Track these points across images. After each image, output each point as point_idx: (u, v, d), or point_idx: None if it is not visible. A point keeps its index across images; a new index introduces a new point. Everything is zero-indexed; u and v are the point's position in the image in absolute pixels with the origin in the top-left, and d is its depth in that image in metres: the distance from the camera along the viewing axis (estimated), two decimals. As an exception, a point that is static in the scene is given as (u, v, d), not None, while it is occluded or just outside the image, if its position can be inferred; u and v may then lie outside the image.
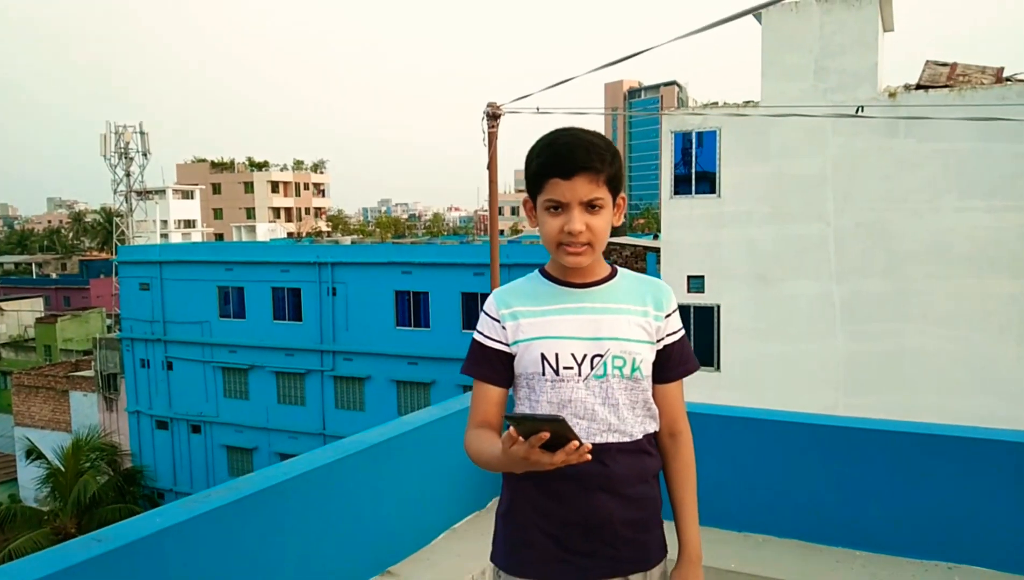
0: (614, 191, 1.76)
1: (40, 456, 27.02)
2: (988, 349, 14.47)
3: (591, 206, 1.72)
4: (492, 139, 11.04)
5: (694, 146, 16.60)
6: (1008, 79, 14.69)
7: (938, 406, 14.09)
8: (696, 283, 16.86)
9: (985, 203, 14.37)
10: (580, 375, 1.76)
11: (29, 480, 29.76)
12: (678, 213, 16.98)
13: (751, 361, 16.30)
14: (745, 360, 16.38)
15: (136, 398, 31.47)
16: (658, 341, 1.83)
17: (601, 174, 1.70)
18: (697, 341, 16.87)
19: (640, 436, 1.81)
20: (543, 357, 1.77)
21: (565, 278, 1.82)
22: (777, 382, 15.88)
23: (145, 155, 49.39)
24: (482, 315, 1.87)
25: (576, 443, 1.45)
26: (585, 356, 1.76)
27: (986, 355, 14.47)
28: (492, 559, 1.89)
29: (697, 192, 16.73)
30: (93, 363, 34.14)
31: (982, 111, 13.39)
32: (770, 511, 3.66)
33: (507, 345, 1.81)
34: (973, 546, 3.29)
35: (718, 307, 16.62)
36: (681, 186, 16.88)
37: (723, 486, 3.78)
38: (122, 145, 48.54)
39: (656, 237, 26.84)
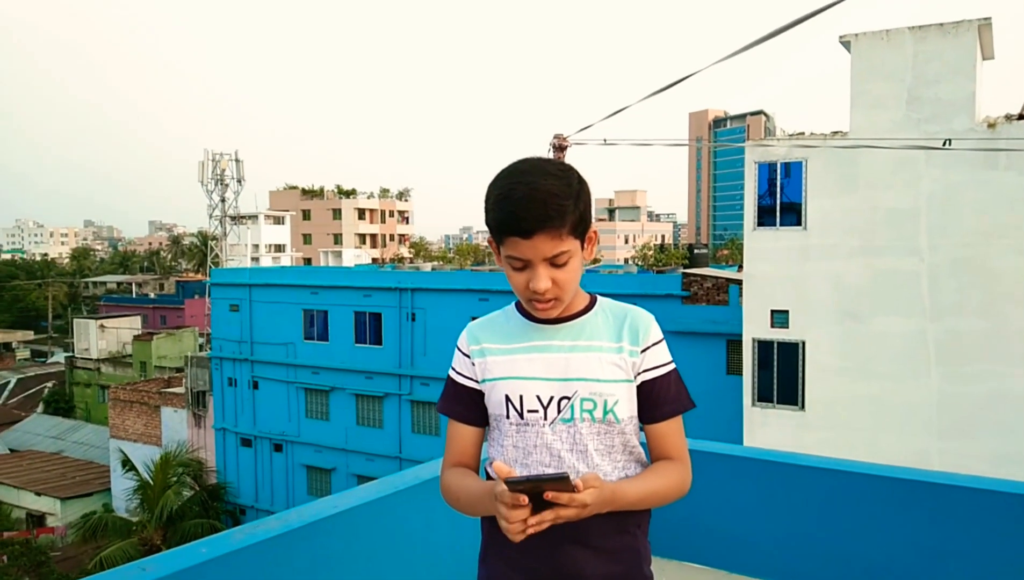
0: (581, 235, 1.60)
1: (132, 468, 28.14)
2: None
3: (556, 261, 1.57)
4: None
5: (779, 177, 16.18)
6: (1122, 109, 13.83)
7: (1041, 455, 13.22)
8: (780, 318, 16.35)
9: (1095, 240, 13.50)
10: (546, 419, 1.64)
11: (121, 491, 30.99)
12: (762, 245, 16.54)
13: (838, 401, 15.65)
14: (832, 400, 15.73)
15: (223, 415, 32.49)
16: (636, 377, 1.67)
17: (563, 228, 1.55)
18: (781, 378, 16.32)
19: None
20: (507, 399, 1.66)
21: (536, 314, 1.68)
22: (866, 424, 15.19)
23: (240, 181, 51.40)
24: (456, 350, 1.78)
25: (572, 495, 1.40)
26: (552, 399, 1.64)
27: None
28: None
29: (782, 224, 16.28)
30: (184, 380, 35.46)
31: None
32: (839, 569, 3.44)
33: (477, 382, 1.72)
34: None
35: (803, 343, 16.05)
36: (765, 218, 16.46)
37: (792, 539, 3.58)
38: (218, 172, 50.66)
39: (739, 269, 26.24)
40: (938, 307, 14.75)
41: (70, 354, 55.24)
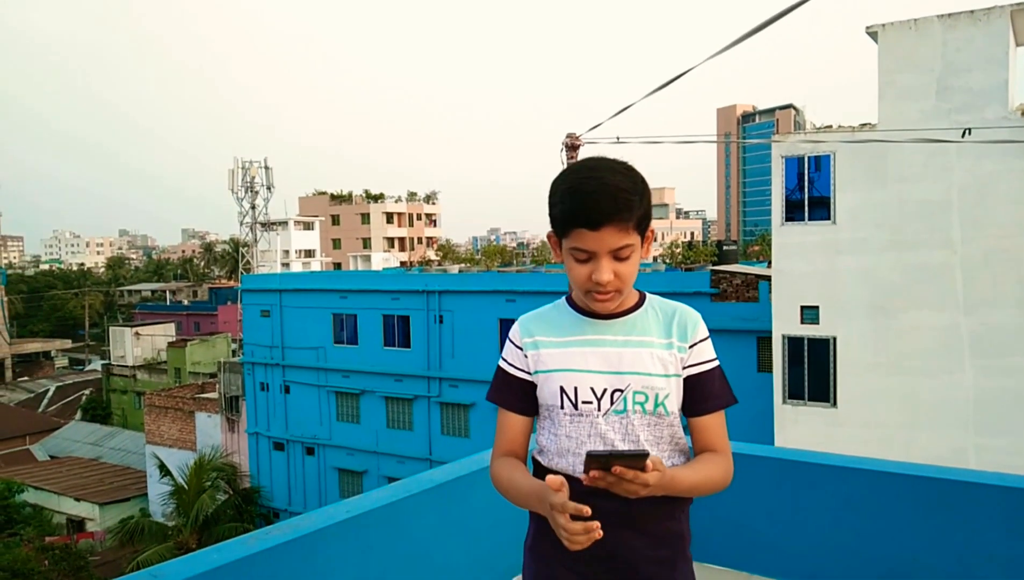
0: (643, 231, 1.68)
1: (168, 473, 28.54)
2: None
3: (619, 254, 1.65)
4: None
5: (807, 171, 15.96)
6: None
7: (1083, 451, 12.89)
8: (810, 314, 16.12)
9: None
10: (599, 410, 1.71)
11: (157, 495, 31.45)
12: (790, 240, 16.33)
13: (871, 397, 15.39)
14: (864, 396, 15.48)
15: (255, 420, 32.84)
16: (684, 370, 1.74)
17: (630, 222, 1.63)
18: (811, 375, 16.09)
19: None
20: (562, 390, 1.73)
21: (589, 308, 1.75)
22: (899, 420, 14.92)
23: (269, 188, 51.93)
24: (507, 341, 1.85)
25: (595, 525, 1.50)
26: (605, 391, 1.71)
27: None
28: None
29: (811, 218, 16.06)
30: (217, 386, 35.90)
31: None
32: (870, 570, 3.36)
33: (529, 374, 1.79)
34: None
35: (834, 339, 15.81)
36: (794, 212, 16.25)
37: (819, 541, 3.51)
38: (248, 179, 51.22)
39: (769, 265, 25.94)
40: (972, 300, 14.45)
41: (107, 362, 56.21)
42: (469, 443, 26.74)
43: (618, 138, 10.23)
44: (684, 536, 1.78)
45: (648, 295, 1.81)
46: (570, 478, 1.63)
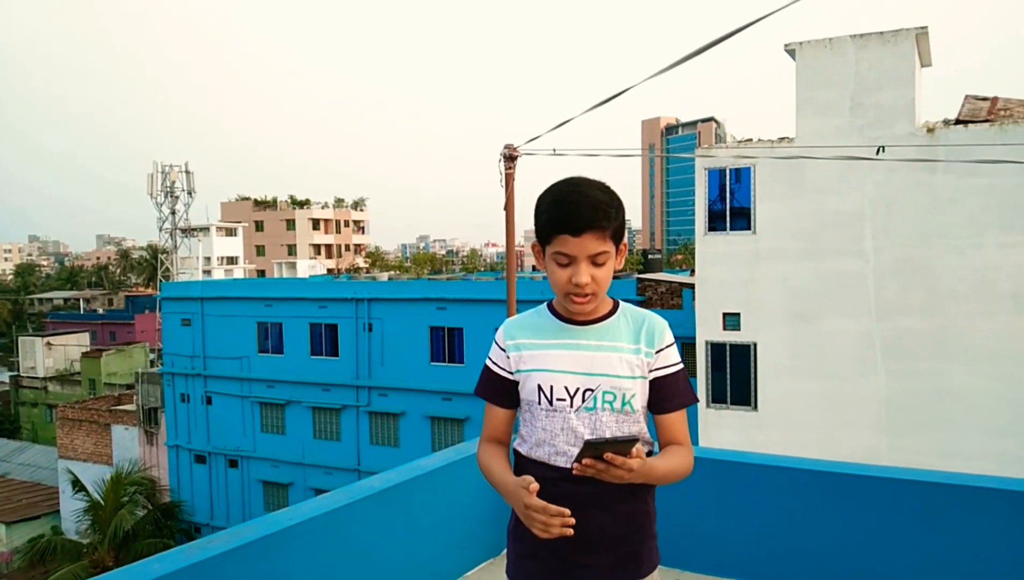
0: (617, 241, 1.88)
1: (82, 489, 27.40)
2: (1036, 389, 14.00)
3: (597, 260, 1.84)
4: (509, 180, 11.09)
5: (729, 182, 16.47)
6: (1051, 113, 14.39)
7: (983, 448, 13.63)
8: (732, 321, 16.62)
9: (1029, 239, 13.99)
10: (572, 407, 1.90)
11: (71, 512, 30.15)
12: (713, 249, 16.81)
13: (789, 400, 15.95)
14: (783, 399, 16.03)
15: (176, 432, 31.83)
16: (650, 373, 1.93)
17: (607, 230, 1.83)
18: (733, 380, 16.58)
19: None
20: (539, 388, 1.92)
21: (567, 315, 1.95)
22: (817, 422, 15.51)
23: (190, 193, 50.50)
24: (493, 343, 2.05)
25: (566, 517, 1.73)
26: (578, 390, 1.89)
27: (1034, 395, 13.99)
28: (506, 571, 2.05)
29: (732, 228, 16.57)
30: (135, 397, 34.67)
31: (1024, 146, 13.11)
32: (794, 563, 3.53)
33: (511, 373, 1.98)
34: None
35: (755, 345, 16.34)
36: (716, 223, 16.73)
37: (744, 536, 3.66)
38: (168, 184, 49.74)
39: (692, 273, 26.58)
40: (883, 307, 15.15)
41: (15, 373, 53.63)
42: (399, 452, 26.50)
43: (555, 150, 10.44)
44: (650, 514, 1.98)
45: (621, 303, 2.00)
46: (545, 466, 1.89)
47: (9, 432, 48.34)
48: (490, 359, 2.04)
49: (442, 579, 3.39)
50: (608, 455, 1.66)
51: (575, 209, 1.81)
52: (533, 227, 1.92)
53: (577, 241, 1.81)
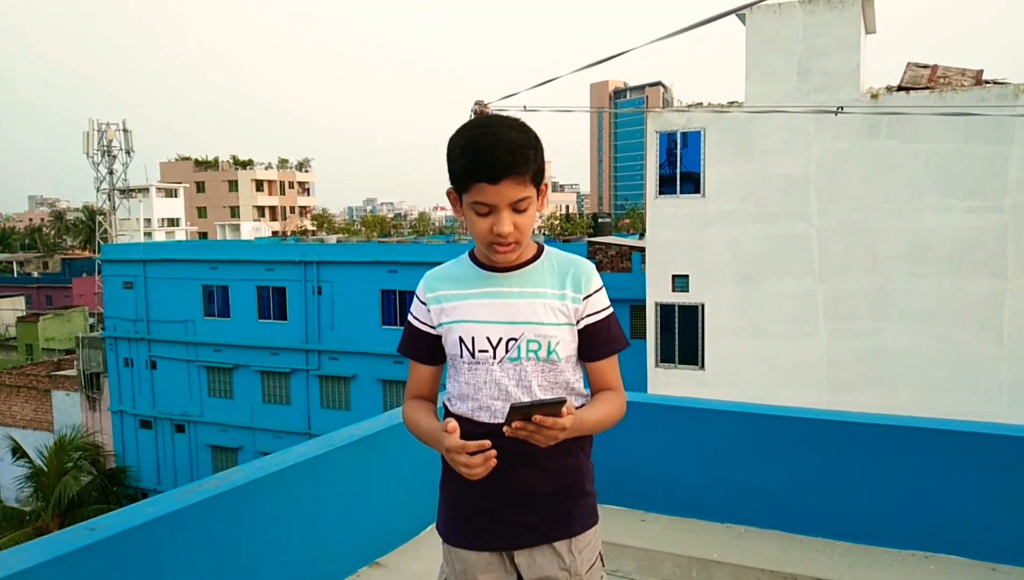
0: (538, 183, 1.76)
1: (23, 455, 26.80)
2: (967, 347, 14.68)
3: (518, 206, 1.73)
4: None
5: (679, 146, 16.70)
6: (987, 82, 14.89)
7: (917, 403, 14.27)
8: (681, 282, 16.97)
9: (965, 203, 14.56)
10: (495, 358, 1.80)
11: (10, 480, 29.48)
12: (663, 213, 17.08)
13: (735, 359, 16.43)
14: (729, 358, 16.51)
15: (119, 397, 31.24)
16: (578, 321, 1.84)
17: (527, 175, 1.71)
18: (682, 340, 16.98)
19: None
20: (460, 340, 1.82)
21: (488, 262, 1.84)
22: (762, 380, 16.02)
23: (128, 153, 48.88)
24: (414, 297, 1.94)
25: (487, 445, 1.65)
26: (500, 339, 1.80)
27: (965, 353, 14.67)
28: (436, 527, 1.97)
29: (682, 192, 16.83)
30: (76, 362, 33.86)
31: (962, 112, 13.58)
32: (750, 502, 3.74)
33: (433, 327, 1.88)
34: (949, 536, 3.38)
35: (702, 306, 16.73)
36: (666, 186, 16.97)
37: (703, 478, 3.86)
38: (105, 143, 48.07)
39: (642, 237, 26.93)
40: (826, 268, 15.65)
41: (-55, 339, 51.76)
42: (350, 415, 26.50)
43: (525, 107, 10.39)
44: (583, 470, 1.88)
45: (547, 247, 1.89)
46: (471, 421, 1.79)
47: (-59, 399, 46.77)
48: (411, 314, 1.92)
49: (420, 522, 3.51)
50: (538, 417, 1.59)
51: (491, 154, 1.67)
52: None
53: (496, 189, 1.68)
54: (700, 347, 16.83)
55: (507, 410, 1.62)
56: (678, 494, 3.89)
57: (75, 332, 40.34)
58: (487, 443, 1.63)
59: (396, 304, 26.24)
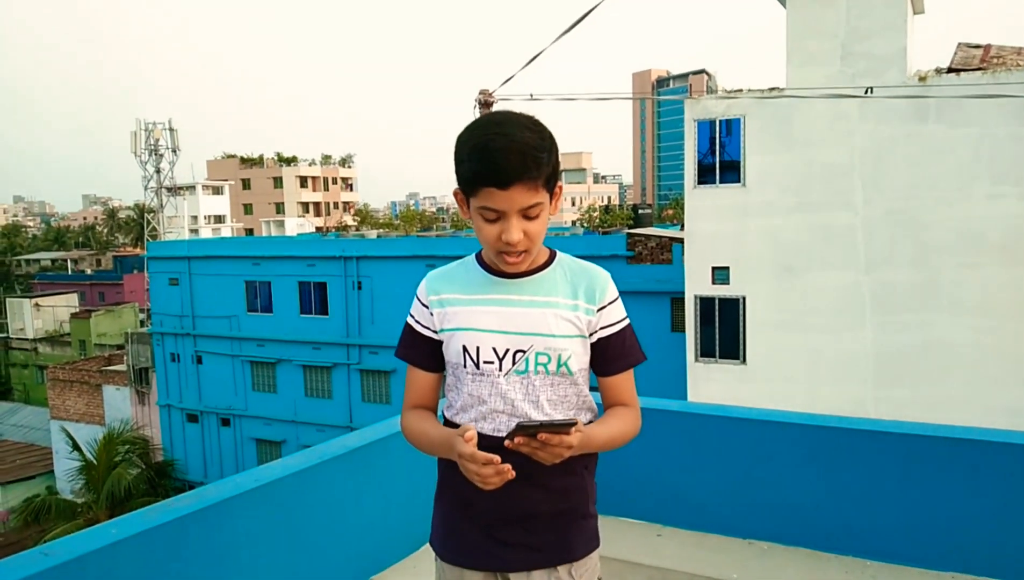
0: (551, 188, 1.65)
1: (76, 448, 27.48)
2: (1020, 340, 14.05)
3: (529, 213, 1.61)
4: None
5: (719, 134, 16.29)
6: (1044, 61, 14.21)
7: (968, 399, 13.73)
8: (721, 274, 16.57)
9: (1018, 189, 13.92)
10: (500, 370, 1.69)
11: (64, 472, 30.29)
12: (702, 203, 16.68)
13: (777, 354, 15.99)
14: (771, 353, 16.07)
15: (167, 392, 31.86)
16: (591, 334, 1.73)
17: (539, 179, 1.59)
18: (722, 333, 16.59)
19: None
20: (464, 349, 1.72)
21: (496, 267, 1.73)
22: (804, 375, 15.57)
23: (175, 151, 49.88)
24: (415, 298, 1.83)
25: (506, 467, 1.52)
26: (507, 351, 1.69)
27: (1018, 346, 14.05)
28: (429, 542, 1.87)
29: (722, 181, 16.42)
30: (125, 357, 34.62)
31: (1017, 93, 12.96)
32: (775, 517, 3.50)
33: (435, 332, 1.77)
34: (993, 557, 3.10)
35: (743, 299, 16.31)
36: (706, 176, 16.58)
37: (724, 490, 3.63)
38: (152, 142, 49.08)
39: (682, 228, 26.46)
40: (872, 259, 15.11)
41: (4, 335, 53.44)
42: (391, 409, 26.61)
43: (532, 95, 10.10)
44: (586, 491, 1.77)
45: (559, 254, 1.77)
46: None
47: (1, 394, 48.36)
48: (412, 316, 1.82)
49: (417, 539, 3.35)
50: (543, 436, 1.50)
51: (501, 157, 1.55)
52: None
53: (505, 194, 1.57)
54: (741, 341, 16.42)
55: (512, 425, 1.56)
56: (697, 507, 3.66)
57: (126, 328, 41.24)
58: (496, 458, 1.51)
59: (435, 298, 26.23)
